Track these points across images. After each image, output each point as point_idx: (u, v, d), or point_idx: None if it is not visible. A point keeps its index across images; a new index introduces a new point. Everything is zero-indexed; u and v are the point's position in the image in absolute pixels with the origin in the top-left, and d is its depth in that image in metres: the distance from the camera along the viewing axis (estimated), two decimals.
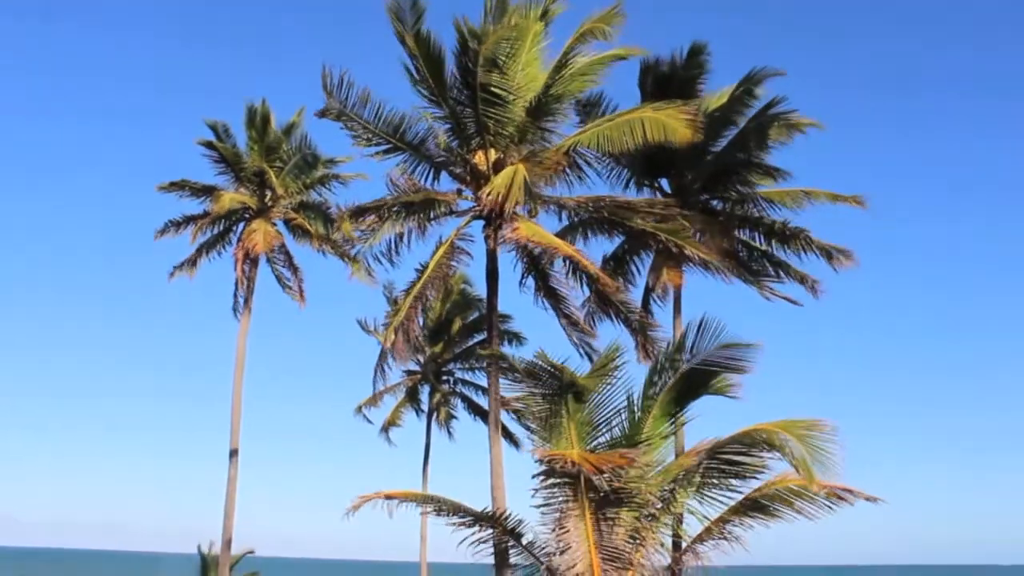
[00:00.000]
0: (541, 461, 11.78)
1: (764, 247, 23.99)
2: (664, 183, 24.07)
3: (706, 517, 12.41)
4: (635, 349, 18.74)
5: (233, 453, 27.62)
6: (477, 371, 32.23)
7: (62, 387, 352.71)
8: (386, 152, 19.56)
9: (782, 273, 24.07)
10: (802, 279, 23.83)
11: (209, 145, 28.15)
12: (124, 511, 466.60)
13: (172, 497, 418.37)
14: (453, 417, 32.91)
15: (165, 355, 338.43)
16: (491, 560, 16.52)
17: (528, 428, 13.25)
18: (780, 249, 23.87)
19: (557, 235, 19.80)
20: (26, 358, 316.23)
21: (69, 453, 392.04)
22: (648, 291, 24.07)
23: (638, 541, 12.06)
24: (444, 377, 32.74)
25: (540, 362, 12.59)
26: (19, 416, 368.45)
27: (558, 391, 12.66)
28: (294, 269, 29.75)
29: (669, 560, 12.66)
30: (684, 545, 12.61)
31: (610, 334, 20.77)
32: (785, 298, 24.50)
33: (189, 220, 28.50)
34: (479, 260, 19.76)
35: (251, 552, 31.44)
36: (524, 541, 12.57)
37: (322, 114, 19.13)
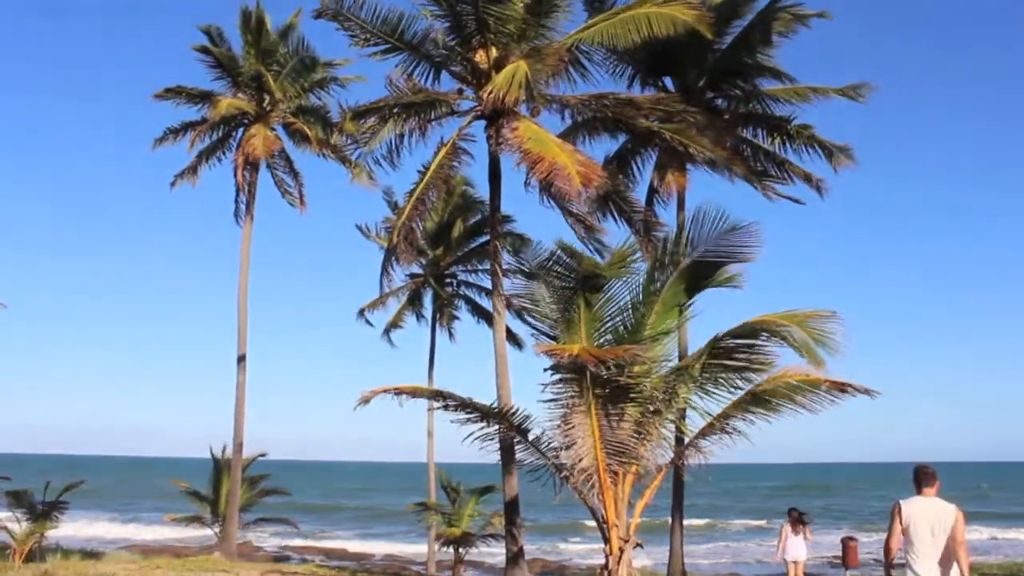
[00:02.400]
0: (546, 356, 11.87)
1: (768, 146, 23.78)
2: (668, 82, 23.74)
3: (708, 412, 12.58)
4: (639, 248, 18.74)
5: (241, 359, 27.93)
6: (480, 273, 32.27)
7: (73, 299, 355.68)
8: (385, 52, 19.26)
9: (786, 173, 23.91)
10: (807, 178, 23.68)
11: (204, 50, 27.63)
12: (140, 418, 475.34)
13: (186, 404, 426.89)
14: (456, 319, 33.11)
15: (171, 263, 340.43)
16: (497, 457, 16.89)
17: (534, 326, 13.34)
18: (784, 148, 23.67)
19: (560, 135, 19.60)
20: (34, 272, 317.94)
21: (83, 362, 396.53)
22: (652, 192, 23.96)
23: (643, 436, 12.25)
24: (447, 280, 32.81)
25: (560, 251, 12.60)
26: (33, 326, 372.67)
27: (573, 285, 12.70)
28: (294, 174, 29.59)
29: (672, 454, 12.90)
30: (687, 440, 12.82)
31: (616, 230, 20.81)
32: (788, 198, 24.40)
33: (187, 127, 28.15)
34: (481, 161, 19.66)
35: (263, 455, 32.05)
36: (530, 437, 12.78)
37: (319, 14, 18.79)
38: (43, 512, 23.16)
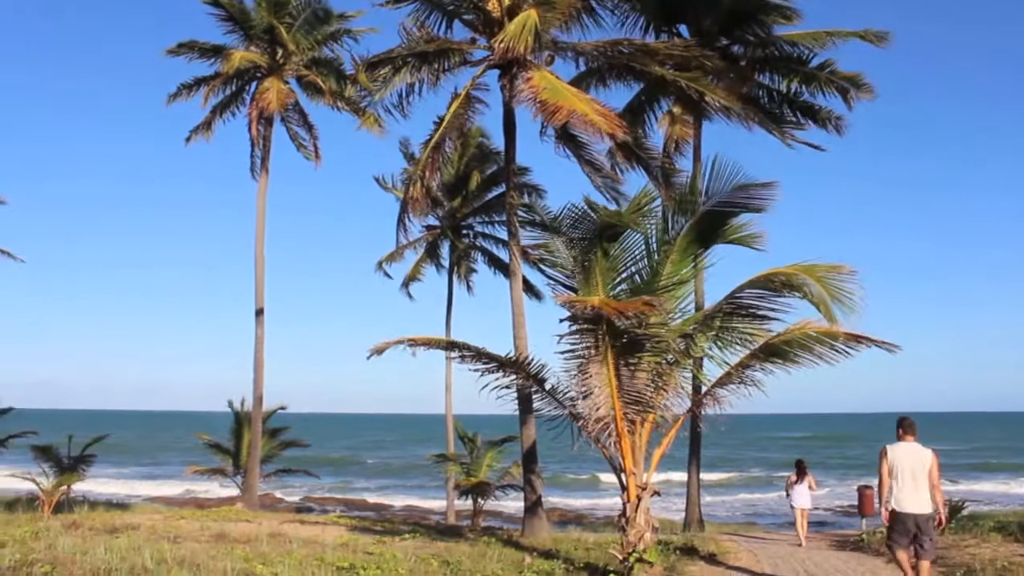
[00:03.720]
0: (565, 307, 11.84)
1: (785, 90, 23.44)
2: (682, 29, 23.38)
3: (726, 362, 12.55)
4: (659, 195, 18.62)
5: (259, 312, 28.08)
6: (497, 224, 32.23)
7: (93, 256, 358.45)
8: (397, 1, 19.05)
9: (804, 117, 23.61)
10: (826, 119, 23.35)
11: (215, 3, 27.42)
12: (159, 374, 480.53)
13: (205, 358, 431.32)
14: (473, 271, 33.13)
15: (188, 219, 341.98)
16: (515, 408, 16.97)
17: (552, 278, 13.28)
18: (801, 91, 23.32)
19: (573, 82, 19.38)
20: (56, 231, 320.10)
21: (105, 318, 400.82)
22: (667, 142, 23.77)
23: (659, 385, 12.25)
24: (463, 231, 32.79)
25: (584, 205, 12.51)
26: (55, 284, 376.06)
27: (590, 236, 12.63)
28: (309, 127, 29.48)
29: (690, 404, 12.92)
30: (704, 389, 12.82)
31: (634, 180, 20.68)
32: (807, 143, 24.13)
33: (200, 82, 28.01)
34: (496, 111, 19.51)
35: (283, 407, 32.39)
36: (547, 386, 12.80)
37: None
38: (69, 465, 23.56)
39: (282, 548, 14.30)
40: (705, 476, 28.66)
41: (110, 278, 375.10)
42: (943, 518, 10.23)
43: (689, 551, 14.90)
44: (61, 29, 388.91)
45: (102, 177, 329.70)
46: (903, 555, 9.95)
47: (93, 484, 27.74)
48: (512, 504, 29.55)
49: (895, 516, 9.86)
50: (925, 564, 9.82)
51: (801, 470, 17.85)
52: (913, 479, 9.76)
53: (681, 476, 24.87)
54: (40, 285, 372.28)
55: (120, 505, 26.34)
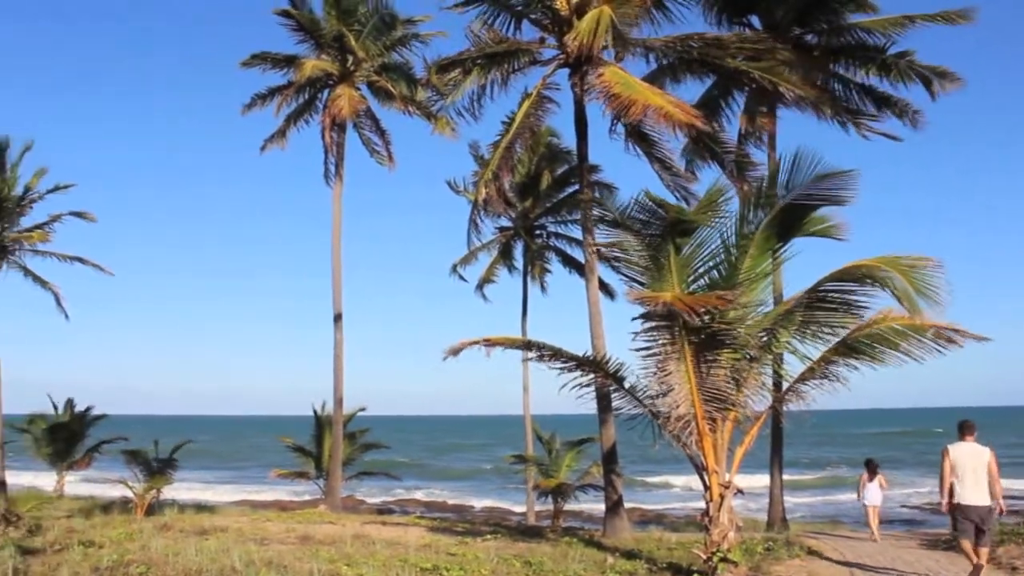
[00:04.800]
0: (637, 303, 11.74)
1: (862, 80, 22.87)
2: (754, 20, 23.03)
3: (807, 357, 12.31)
4: (733, 189, 18.31)
5: (337, 317, 28.47)
6: (569, 224, 32.15)
7: (174, 264, 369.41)
8: (465, 4, 19.13)
9: (881, 108, 23.01)
10: (903, 110, 22.72)
11: (286, 14, 27.87)
12: (243, 378, 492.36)
13: (286, 363, 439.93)
14: (547, 271, 33.09)
15: (266, 227, 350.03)
16: (594, 407, 16.90)
17: (625, 275, 13.17)
18: (880, 81, 22.73)
19: (644, 79, 19.22)
20: (134, 242, 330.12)
21: (188, 325, 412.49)
22: (742, 136, 23.40)
23: (739, 382, 12.07)
24: (536, 232, 32.76)
25: (647, 200, 12.37)
26: (139, 293, 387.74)
27: (661, 232, 12.49)
28: (381, 132, 29.80)
29: (771, 400, 12.69)
30: (786, 386, 12.58)
31: (707, 179, 20.40)
32: (884, 134, 23.52)
33: (274, 92, 28.54)
34: (566, 110, 19.45)
35: (362, 410, 32.81)
36: (626, 385, 12.70)
37: None
38: (158, 469, 24.18)
39: (366, 550, 14.48)
40: (787, 476, 28.08)
41: (194, 284, 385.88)
42: (1002, 508, 11.23)
43: (774, 550, 14.63)
44: (140, 41, 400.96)
45: (180, 186, 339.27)
46: (967, 543, 11.04)
47: (180, 487, 28.42)
48: (592, 504, 29.45)
49: (960, 509, 10.95)
50: (984, 551, 10.99)
51: (872, 469, 18.22)
52: (974, 475, 10.90)
53: (760, 476, 24.48)
54: (126, 292, 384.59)
55: (207, 507, 26.96)
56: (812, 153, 11.76)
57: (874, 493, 18.06)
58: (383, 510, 40.70)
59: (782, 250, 12.82)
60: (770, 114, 22.70)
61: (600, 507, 21.30)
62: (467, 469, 72.84)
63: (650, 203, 12.30)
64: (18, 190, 28.90)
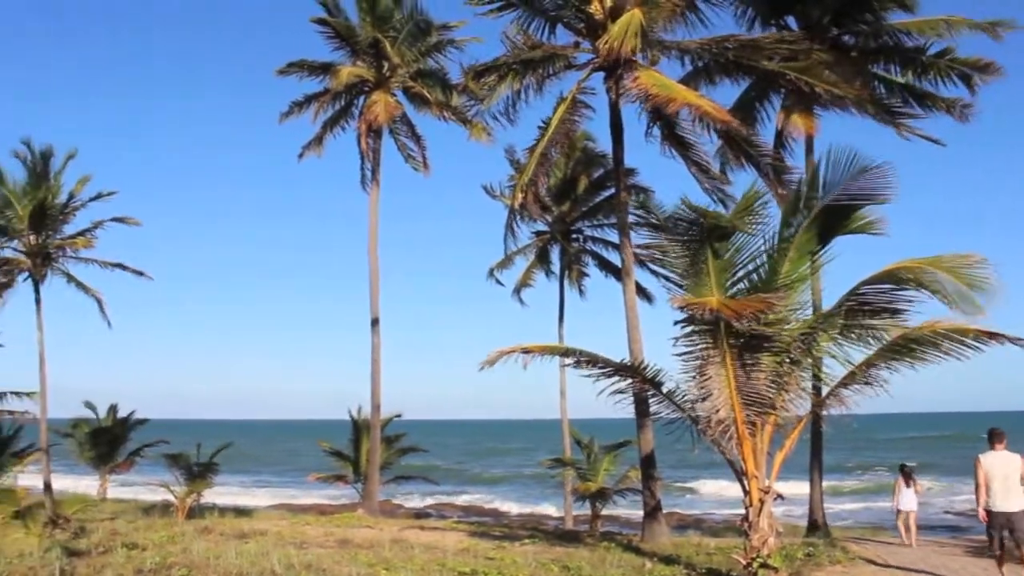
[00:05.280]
0: (680, 309, 11.68)
1: (902, 80, 22.54)
2: (790, 21, 22.80)
3: (849, 361, 12.18)
4: (770, 193, 18.14)
5: (374, 322, 28.61)
6: (606, 228, 32.09)
7: (213, 270, 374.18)
8: (500, 10, 19.16)
9: (923, 107, 22.65)
10: (950, 105, 22.32)
11: (322, 21, 28.10)
12: (280, 382, 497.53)
13: (323, 368, 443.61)
14: (585, 275, 33.04)
15: (303, 233, 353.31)
16: (631, 412, 16.82)
17: (665, 278, 13.12)
18: (919, 81, 22.40)
19: (680, 81, 19.14)
20: (177, 248, 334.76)
21: (226, 329, 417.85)
22: (778, 137, 23.19)
23: (780, 386, 11.97)
24: (573, 235, 32.74)
25: (683, 207, 12.32)
26: (178, 299, 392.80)
27: (699, 237, 12.42)
28: (416, 138, 29.93)
29: (811, 404, 12.57)
30: (826, 390, 12.45)
31: (742, 182, 20.27)
32: (924, 136, 23.13)
33: (311, 99, 28.76)
34: (602, 114, 19.42)
35: (399, 415, 32.97)
36: (664, 390, 12.64)
37: None
38: (198, 473, 24.48)
39: (404, 554, 14.54)
40: (828, 481, 27.77)
41: (233, 289, 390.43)
42: None
43: (815, 556, 14.49)
44: (182, 50, 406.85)
45: (220, 189, 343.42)
46: (997, 545, 11.65)
47: (218, 491, 28.74)
48: (629, 509, 29.35)
49: (991, 515, 11.46)
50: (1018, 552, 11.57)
51: (907, 475, 18.76)
52: (1004, 483, 11.35)
53: (800, 482, 24.21)
54: (164, 296, 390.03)
55: (247, 511, 27.23)
56: (848, 149, 11.65)
57: (909, 499, 18.42)
58: (420, 514, 40.83)
59: (822, 252, 12.69)
60: (807, 116, 22.43)
61: (638, 512, 21.20)
62: (504, 474, 72.85)
63: (687, 209, 12.24)
64: (62, 198, 29.40)
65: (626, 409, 14.56)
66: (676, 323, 11.72)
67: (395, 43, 27.89)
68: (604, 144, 30.22)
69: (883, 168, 11.67)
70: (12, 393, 34.89)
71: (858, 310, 12.04)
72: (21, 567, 12.46)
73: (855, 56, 22.50)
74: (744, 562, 11.67)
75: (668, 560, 14.29)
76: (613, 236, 31.72)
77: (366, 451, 29.85)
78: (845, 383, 12.13)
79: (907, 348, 11.57)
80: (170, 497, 23.75)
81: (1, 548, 14.39)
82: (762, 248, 12.40)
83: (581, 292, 33.44)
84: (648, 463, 18.56)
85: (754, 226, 12.42)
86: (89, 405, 39.66)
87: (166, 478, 24.47)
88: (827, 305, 12.88)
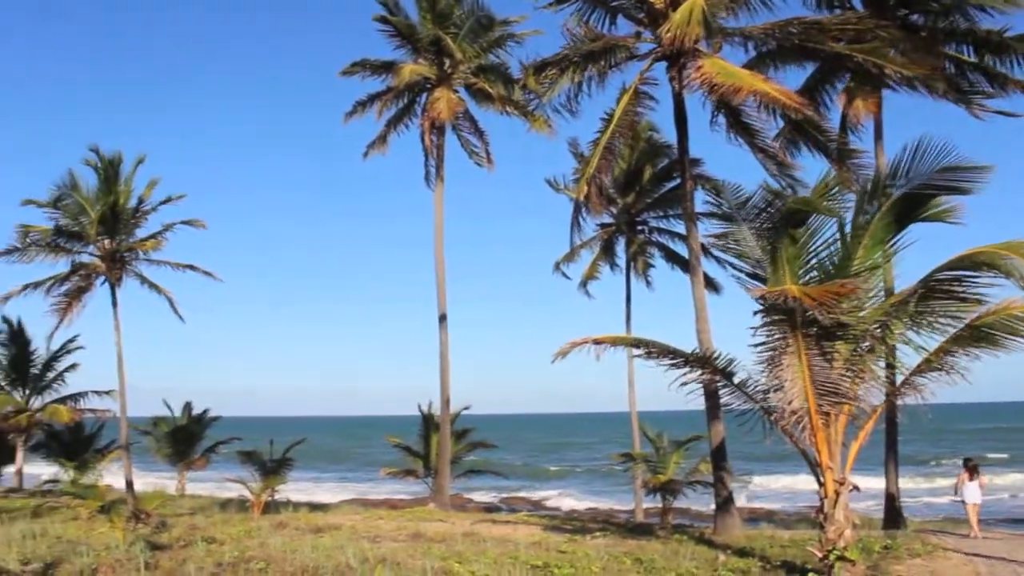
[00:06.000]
0: (759, 299, 11.53)
1: (976, 59, 21.85)
2: (856, 1, 22.29)
3: (923, 348, 11.90)
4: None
5: (442, 318, 28.80)
6: (672, 218, 31.89)
7: (283, 270, 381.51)
8: (559, 3, 19.13)
9: (997, 87, 21.94)
10: None
11: (383, 20, 28.33)
12: (350, 379, 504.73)
13: (393, 364, 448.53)
14: (651, 266, 32.84)
15: (370, 231, 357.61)
16: (700, 404, 16.69)
17: (734, 268, 12.95)
18: (994, 62, 21.68)
19: (744, 67, 18.85)
20: (249, 253, 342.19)
21: (299, 328, 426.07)
22: (844, 121, 22.71)
23: (855, 375, 11.74)
24: (638, 227, 32.57)
25: (763, 192, 12.14)
26: (252, 298, 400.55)
27: (774, 224, 12.22)
28: (479, 133, 30.04)
29: (885, 394, 12.30)
30: (902, 378, 12.18)
31: (808, 168, 19.90)
32: (1001, 112, 22.45)
33: (374, 98, 29.02)
34: (665, 104, 19.27)
35: (467, 408, 33.15)
36: (736, 381, 12.49)
37: None
38: (272, 469, 24.92)
39: (476, 547, 14.62)
40: (903, 473, 27.14)
41: (302, 288, 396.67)
42: None
43: (893, 549, 14.20)
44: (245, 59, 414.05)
45: (294, 191, 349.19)
46: None
47: (291, 486, 29.25)
48: (699, 502, 29.12)
49: None
50: None
51: (971, 469, 18.96)
52: None
53: (874, 475, 23.75)
54: (235, 296, 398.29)
55: (321, 506, 27.68)
56: (936, 142, 11.29)
57: (974, 492, 18.67)
58: (490, 508, 41.04)
59: (897, 239, 12.40)
60: (875, 98, 21.92)
61: (708, 505, 21.03)
62: (572, 468, 72.82)
63: (767, 193, 12.07)
64: (132, 202, 30.15)
65: (696, 401, 14.45)
66: (755, 313, 11.57)
67: (456, 39, 27.98)
68: (668, 134, 30.03)
69: (979, 167, 11.32)
70: (93, 392, 36.28)
71: (932, 296, 11.73)
72: (108, 559, 12.87)
73: (924, 36, 21.90)
74: (820, 555, 11.49)
75: (741, 553, 14.14)
76: (679, 227, 31.52)
77: (436, 445, 30.08)
78: (920, 371, 11.86)
79: (982, 333, 11.30)
80: (246, 493, 24.23)
81: (89, 541, 14.87)
82: (835, 235, 12.17)
83: (648, 283, 33.27)
84: (719, 455, 18.39)
85: (837, 209, 12.15)
86: (166, 404, 40.81)
87: (240, 474, 24.97)
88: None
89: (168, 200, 30.56)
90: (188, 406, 40.84)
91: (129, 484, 28.38)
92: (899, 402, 12.24)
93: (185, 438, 39.94)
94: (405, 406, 44.98)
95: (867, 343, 11.76)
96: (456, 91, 28.54)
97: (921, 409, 12.11)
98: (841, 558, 11.31)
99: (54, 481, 30.72)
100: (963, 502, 18.80)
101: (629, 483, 34.02)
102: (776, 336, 11.66)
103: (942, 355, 11.67)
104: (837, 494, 11.61)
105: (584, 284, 33.51)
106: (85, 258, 29.56)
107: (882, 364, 12.54)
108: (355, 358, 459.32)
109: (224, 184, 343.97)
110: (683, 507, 31.78)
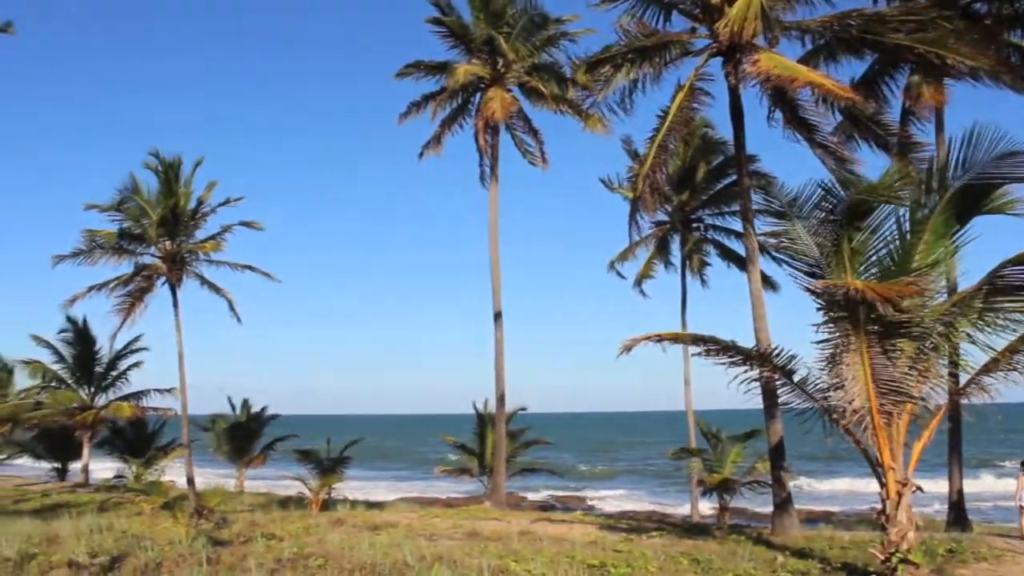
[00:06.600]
0: (820, 296, 11.35)
1: None
2: None
3: (990, 347, 11.61)
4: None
5: (497, 316, 28.84)
6: (727, 216, 31.59)
7: (339, 270, 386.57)
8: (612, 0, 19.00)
9: None
10: None
11: (436, 21, 28.46)
12: (405, 378, 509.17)
13: (446, 362, 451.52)
14: (706, 264, 32.56)
15: (426, 231, 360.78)
16: (758, 403, 16.47)
17: (792, 266, 12.75)
18: None
19: (800, 61, 18.60)
20: (303, 248, 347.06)
21: (352, 327, 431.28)
22: (905, 113, 22.29)
23: (918, 373, 11.51)
24: (693, 224, 32.31)
25: (823, 185, 11.96)
26: (306, 298, 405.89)
27: (834, 220, 12.02)
28: (533, 132, 30.01)
29: (949, 393, 12.02)
30: (965, 377, 11.90)
31: (870, 163, 19.55)
32: None
33: (428, 99, 29.16)
34: (720, 101, 19.08)
35: (523, 408, 33.18)
36: (795, 379, 12.31)
37: None
38: (329, 467, 25.19)
39: (533, 546, 14.61)
40: (968, 474, 26.50)
41: (358, 288, 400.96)
42: None
43: (957, 552, 13.86)
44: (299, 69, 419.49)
45: (350, 190, 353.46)
46: None
47: (349, 484, 29.52)
48: (756, 502, 28.78)
49: None
50: None
51: None
52: None
53: (937, 476, 23.24)
54: (292, 296, 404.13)
55: (377, 504, 27.91)
56: (991, 128, 11.03)
57: None
58: (545, 507, 40.98)
59: (959, 234, 12.11)
60: (936, 89, 21.46)
61: (765, 506, 20.76)
62: (629, 467, 72.49)
63: (827, 186, 11.88)
64: (192, 204, 30.62)
65: (752, 400, 14.28)
66: (819, 309, 11.40)
67: (509, 39, 27.99)
68: (722, 130, 29.75)
69: None
70: (155, 390, 37.06)
71: (999, 293, 11.44)
72: (172, 554, 13.15)
73: (988, 24, 21.37)
74: (882, 557, 11.28)
75: (800, 554, 13.94)
76: (735, 224, 31.20)
77: (491, 444, 30.17)
78: (988, 370, 11.57)
79: None
80: (303, 490, 24.54)
81: (153, 536, 15.19)
82: (895, 230, 11.92)
83: (703, 282, 33.00)
84: (777, 454, 18.16)
85: (902, 200, 11.89)
86: (229, 401, 41.50)
87: (298, 472, 25.28)
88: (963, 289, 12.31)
89: (227, 202, 30.94)
90: (247, 404, 41.48)
91: (190, 481, 28.85)
92: (964, 401, 11.96)
93: (244, 435, 40.56)
94: (459, 405, 45.21)
95: (931, 341, 11.50)
96: (510, 90, 28.56)
97: (989, 409, 11.82)
98: (904, 561, 11.09)
99: (118, 477, 31.42)
100: (1021, 506, 18.44)
101: (685, 483, 33.79)
102: (837, 333, 11.48)
103: (1011, 354, 11.37)
104: (899, 495, 11.40)
105: (639, 283, 33.35)
106: (147, 259, 30.09)
107: (945, 363, 12.27)
108: (410, 357, 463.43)
109: (282, 185, 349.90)
110: (739, 507, 31.40)
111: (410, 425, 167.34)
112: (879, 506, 11.73)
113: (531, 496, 47.77)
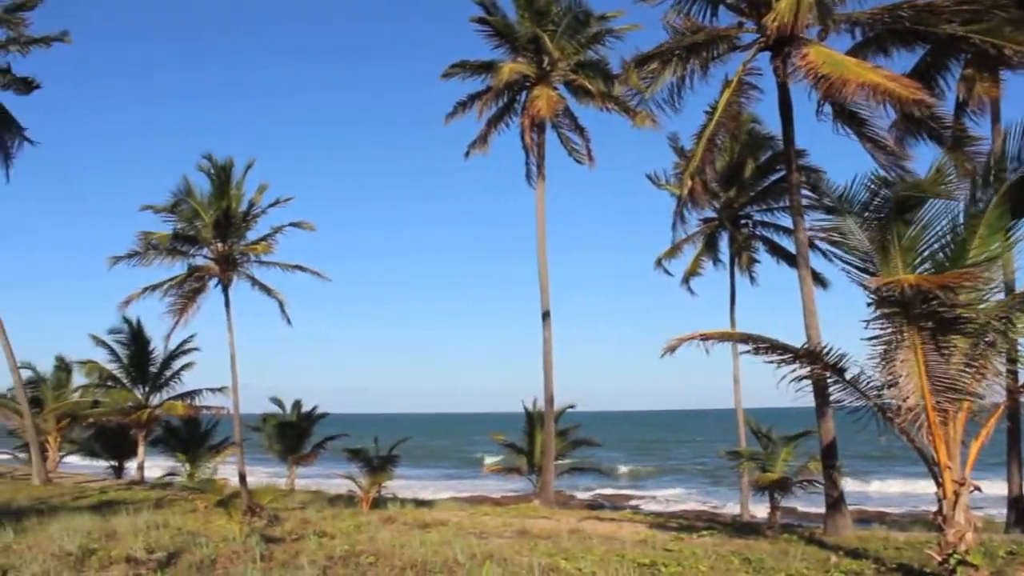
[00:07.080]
0: (874, 291, 11.17)
1: None
2: None
3: None
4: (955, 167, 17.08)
5: (545, 315, 28.85)
6: (776, 212, 31.22)
7: (390, 269, 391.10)
8: None
9: None
10: None
11: (481, 21, 28.55)
12: (450, 377, 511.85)
13: (494, 361, 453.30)
14: (755, 261, 32.22)
15: (473, 231, 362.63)
16: (809, 402, 16.25)
17: (843, 262, 12.55)
18: None
19: (849, 54, 18.31)
20: (354, 248, 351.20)
21: (404, 326, 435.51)
22: (960, 106, 21.81)
23: (975, 370, 11.27)
24: (742, 221, 31.99)
25: (870, 180, 11.79)
26: (356, 299, 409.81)
27: (885, 214, 11.83)
28: (580, 130, 29.99)
29: (1007, 391, 11.76)
30: None
31: (920, 155, 19.23)
32: None
33: (474, 98, 29.27)
34: (768, 95, 18.88)
35: (572, 407, 33.13)
36: (847, 376, 12.14)
37: None
38: (379, 465, 25.37)
39: (582, 544, 14.60)
40: None
41: (408, 287, 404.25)
42: None
43: (1019, 555, 13.53)
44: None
45: (403, 188, 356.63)
46: None
47: (399, 483, 29.72)
48: (807, 501, 28.43)
49: None
50: None
51: None
52: None
53: (996, 476, 22.73)
54: (347, 297, 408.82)
55: (427, 502, 28.05)
56: None
57: None
58: (594, 505, 40.88)
59: (1016, 228, 11.84)
60: (992, 81, 20.98)
61: (816, 506, 20.50)
62: (676, 466, 72.07)
63: (877, 181, 11.68)
64: (243, 206, 31.01)
65: (803, 399, 14.09)
66: (870, 304, 11.22)
67: (554, 37, 27.99)
68: (770, 125, 29.46)
69: None
70: (207, 389, 37.69)
71: None
72: (226, 550, 13.34)
73: None
74: (939, 558, 11.07)
75: (854, 554, 13.74)
76: (784, 220, 30.88)
77: (540, 443, 30.17)
78: None
79: None
80: (354, 488, 24.76)
81: (207, 533, 15.44)
82: (948, 224, 11.69)
83: (752, 279, 32.66)
84: (829, 453, 17.93)
85: (954, 194, 11.66)
86: (277, 400, 42.04)
87: (348, 470, 25.50)
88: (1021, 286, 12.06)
89: (277, 203, 31.28)
90: (297, 403, 41.97)
91: (243, 478, 29.27)
92: (1023, 399, 11.71)
93: (295, 434, 41.07)
94: (504, 403, 45.35)
95: (988, 337, 11.26)
96: (555, 88, 28.55)
97: None
98: (963, 562, 10.87)
99: (172, 475, 31.98)
100: None
101: (735, 482, 33.49)
102: (890, 329, 11.29)
103: None
104: (957, 495, 11.18)
105: (687, 280, 33.11)
106: (199, 261, 30.57)
107: (1003, 360, 12.01)
108: (459, 356, 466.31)
109: (338, 189, 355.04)
110: (790, 507, 31.08)
111: (456, 424, 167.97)
112: (935, 507, 11.53)
113: (579, 495, 47.74)
